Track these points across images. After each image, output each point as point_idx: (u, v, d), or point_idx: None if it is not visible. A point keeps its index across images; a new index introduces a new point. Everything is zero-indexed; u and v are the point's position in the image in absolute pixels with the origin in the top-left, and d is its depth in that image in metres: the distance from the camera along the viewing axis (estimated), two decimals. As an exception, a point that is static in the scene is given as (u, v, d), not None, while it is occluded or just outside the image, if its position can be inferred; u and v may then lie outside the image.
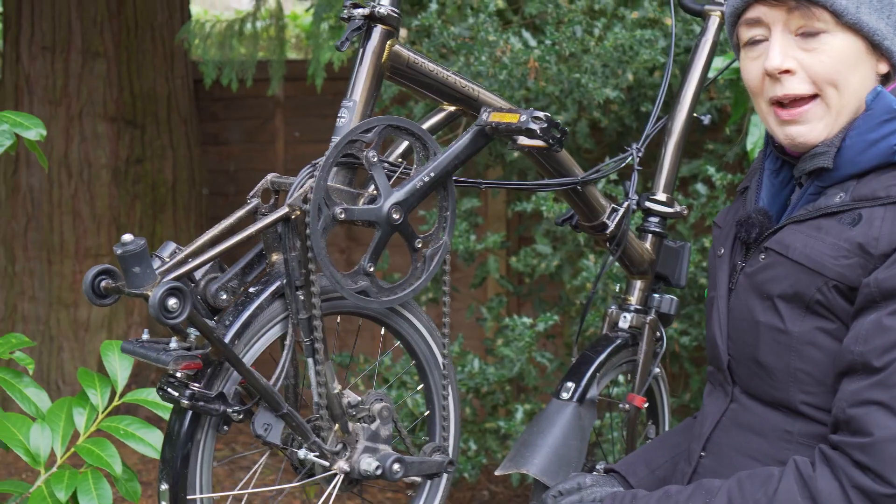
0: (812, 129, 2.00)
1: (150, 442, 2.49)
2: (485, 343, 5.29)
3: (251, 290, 2.06)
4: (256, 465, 2.25)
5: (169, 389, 1.97)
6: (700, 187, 4.62)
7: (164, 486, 2.00)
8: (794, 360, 1.97)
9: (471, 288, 5.58)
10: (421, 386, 2.34)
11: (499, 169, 5.58)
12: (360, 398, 2.15)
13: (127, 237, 1.85)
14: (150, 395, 2.58)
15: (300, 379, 2.12)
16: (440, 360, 2.30)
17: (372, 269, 2.07)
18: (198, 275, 2.01)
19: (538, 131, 2.09)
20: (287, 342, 2.08)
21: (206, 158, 7.87)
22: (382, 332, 2.29)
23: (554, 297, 5.55)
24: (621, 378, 3.09)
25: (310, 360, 2.09)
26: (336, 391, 2.10)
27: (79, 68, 7.01)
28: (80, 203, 6.98)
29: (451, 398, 2.32)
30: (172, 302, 1.82)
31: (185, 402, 1.95)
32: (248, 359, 2.04)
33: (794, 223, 2.00)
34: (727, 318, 2.11)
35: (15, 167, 7.04)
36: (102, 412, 2.57)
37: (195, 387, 1.96)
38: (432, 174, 2.10)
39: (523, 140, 2.14)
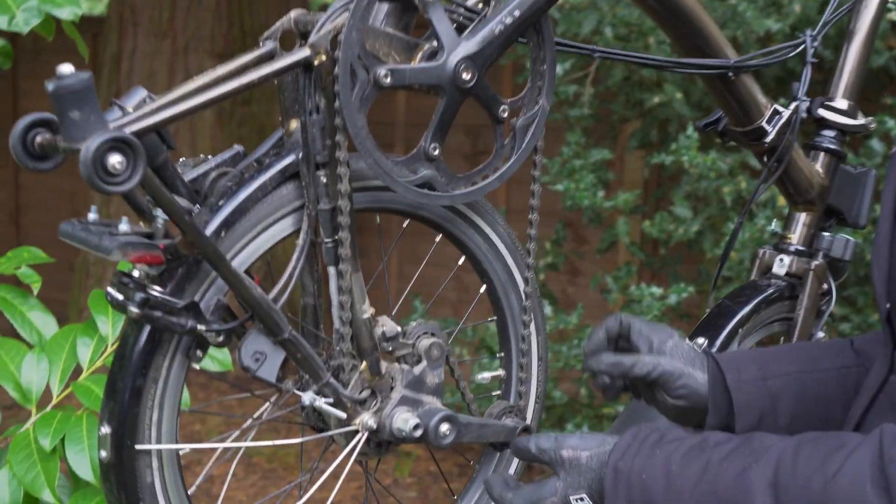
0: None
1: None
2: (608, 319, 4.64)
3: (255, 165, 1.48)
4: (263, 414, 1.64)
5: (113, 291, 1.38)
6: (875, 144, 3.89)
7: (105, 430, 1.44)
8: None
9: (596, 254, 4.92)
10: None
11: (637, 122, 4.94)
12: (399, 329, 1.57)
13: (65, 68, 1.26)
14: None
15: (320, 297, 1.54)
16: (521, 285, 1.67)
17: (437, 152, 1.50)
18: (208, 165, 1.48)
19: None
20: (300, 241, 1.48)
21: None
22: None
23: (692, 271, 4.88)
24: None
25: (331, 270, 1.51)
26: (366, 316, 1.51)
27: (186, 0, 6.63)
28: (180, 144, 6.58)
29: (533, 340, 1.71)
30: (116, 160, 1.23)
31: (133, 309, 1.37)
32: (243, 261, 1.47)
33: None
34: (889, 249, 1.48)
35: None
36: (112, 345, 2.09)
37: (155, 291, 1.38)
38: (516, 13, 1.49)
39: None
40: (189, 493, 1.50)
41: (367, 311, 1.51)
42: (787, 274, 2.08)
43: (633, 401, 1.95)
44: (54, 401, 2.06)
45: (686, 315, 4.78)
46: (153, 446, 1.43)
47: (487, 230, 1.67)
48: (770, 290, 2.05)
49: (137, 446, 1.43)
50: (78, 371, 2.10)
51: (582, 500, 1.48)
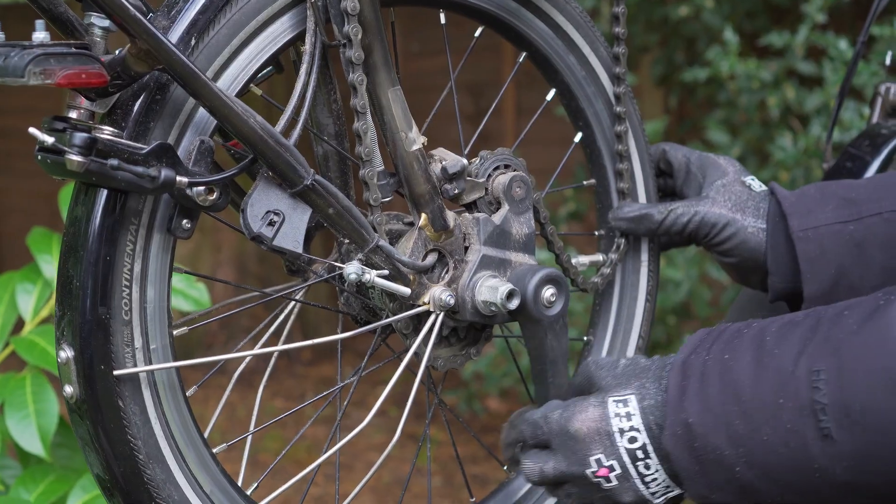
0: None
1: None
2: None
3: None
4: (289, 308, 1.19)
5: (43, 137, 0.95)
6: None
7: (66, 353, 1.00)
8: None
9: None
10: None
11: (657, 51, 4.52)
12: (465, 162, 1.14)
13: None
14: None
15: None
16: (609, 88, 1.29)
17: None
18: None
19: None
20: (307, 46, 1.04)
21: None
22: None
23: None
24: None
25: (351, 71, 1.07)
26: (415, 147, 1.08)
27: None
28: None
29: (633, 152, 1.28)
30: None
31: (74, 157, 0.93)
32: (228, 83, 1.03)
33: None
34: None
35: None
36: (58, 291, 1.72)
37: (105, 133, 0.94)
38: None
39: None
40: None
41: (417, 140, 1.07)
42: None
43: (742, 290, 1.53)
44: (-7, 361, 1.80)
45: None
46: (141, 369, 0.99)
47: (556, 16, 1.25)
48: None
49: (116, 372, 0.98)
50: (20, 326, 1.83)
51: (625, 403, 1.07)
